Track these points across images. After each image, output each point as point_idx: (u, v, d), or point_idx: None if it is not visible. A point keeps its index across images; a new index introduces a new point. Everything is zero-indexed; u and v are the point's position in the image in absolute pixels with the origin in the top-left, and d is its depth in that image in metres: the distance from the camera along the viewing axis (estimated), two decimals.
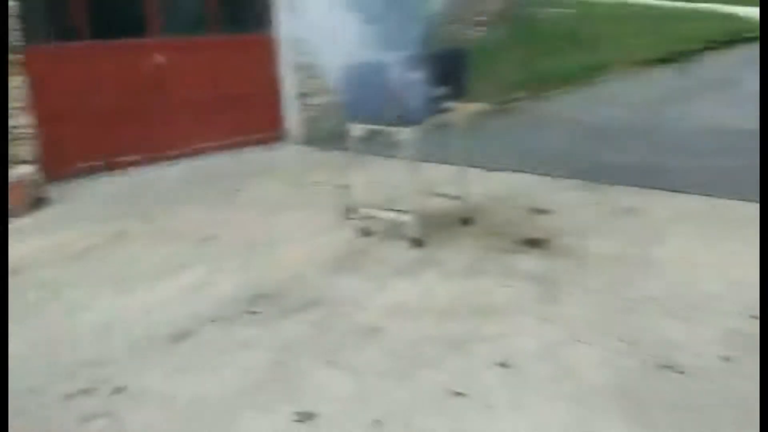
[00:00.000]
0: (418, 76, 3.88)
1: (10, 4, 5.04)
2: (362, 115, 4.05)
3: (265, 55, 7.21)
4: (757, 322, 2.80)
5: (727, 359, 2.59)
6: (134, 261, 3.98)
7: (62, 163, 5.69)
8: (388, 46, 4.08)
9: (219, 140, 6.81)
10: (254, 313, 3.21)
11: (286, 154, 6.91)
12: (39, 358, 2.91)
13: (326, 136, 7.36)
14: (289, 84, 7.34)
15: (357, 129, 4.14)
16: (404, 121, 3.85)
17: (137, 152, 6.25)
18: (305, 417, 2.36)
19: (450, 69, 4.20)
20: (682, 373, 2.51)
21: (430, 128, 4.07)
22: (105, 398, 2.57)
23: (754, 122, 5.66)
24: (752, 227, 3.83)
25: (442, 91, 4.09)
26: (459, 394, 2.45)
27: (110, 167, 6.08)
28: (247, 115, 7.04)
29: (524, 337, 2.83)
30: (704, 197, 4.46)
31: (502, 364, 2.63)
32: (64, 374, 2.75)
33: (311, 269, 3.72)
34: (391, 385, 2.54)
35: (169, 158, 6.45)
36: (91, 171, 5.97)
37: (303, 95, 7.34)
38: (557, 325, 2.95)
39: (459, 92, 4.21)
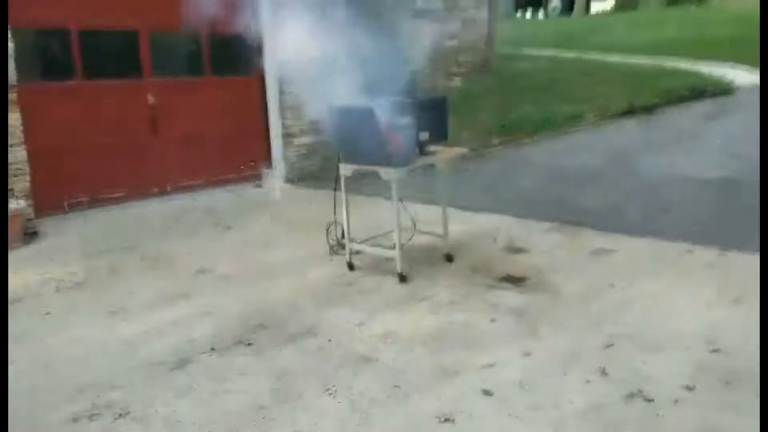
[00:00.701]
0: (405, 121, 4.16)
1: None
2: (352, 156, 4.29)
3: (253, 96, 7.48)
4: (718, 356, 3.08)
5: (690, 389, 2.82)
6: (130, 292, 4.10)
7: (52, 198, 5.81)
8: (374, 92, 4.36)
9: (207, 177, 7.00)
10: (250, 343, 3.36)
11: (273, 191, 7.10)
12: (42, 382, 3.02)
13: (312, 175, 7.62)
14: (275, 124, 7.59)
15: (347, 169, 4.37)
16: (392, 162, 4.10)
17: (126, 188, 6.40)
18: None
19: (433, 115, 4.48)
20: (651, 401, 2.74)
21: (415, 170, 4.34)
22: (108, 423, 2.69)
23: (713, 172, 6.10)
24: (714, 270, 4.17)
25: (426, 135, 4.38)
26: (448, 420, 2.63)
27: (99, 203, 6.20)
28: (235, 153, 7.27)
29: (508, 368, 3.04)
30: (669, 242, 4.77)
31: (488, 393, 2.83)
32: (67, 398, 2.86)
33: (304, 301, 3.89)
34: (385, 411, 2.71)
35: (157, 195, 6.61)
36: (80, 206, 6.09)
37: (289, 135, 7.59)
38: (538, 357, 3.16)
39: (441, 137, 4.49)
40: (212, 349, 3.30)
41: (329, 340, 3.38)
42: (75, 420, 2.70)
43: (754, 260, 4.25)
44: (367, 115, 4.15)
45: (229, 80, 7.30)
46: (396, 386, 2.91)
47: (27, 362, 3.23)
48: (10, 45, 5.18)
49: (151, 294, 4.06)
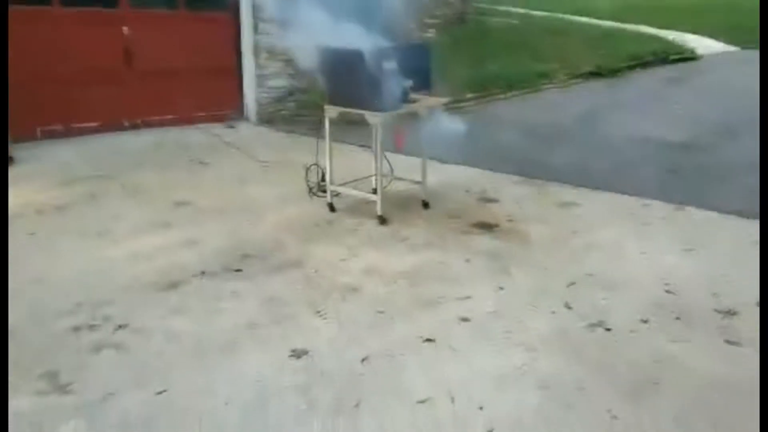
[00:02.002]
0: (392, 66, 4.27)
1: None
2: (339, 99, 4.39)
3: (228, 34, 7.39)
4: (671, 296, 3.40)
5: (645, 322, 3.13)
6: (114, 218, 4.17)
7: (26, 125, 5.72)
8: (354, 37, 4.42)
9: (179, 114, 6.95)
10: (239, 270, 3.52)
11: (245, 132, 7.12)
12: (38, 298, 3.11)
13: (284, 119, 7.65)
14: (249, 64, 7.55)
15: (332, 111, 4.47)
16: (378, 106, 4.22)
17: (99, 119, 6.33)
18: (300, 353, 2.72)
19: (417, 63, 4.60)
20: (609, 330, 3.04)
21: (399, 117, 4.48)
22: (109, 333, 2.83)
23: (673, 134, 6.43)
24: (669, 222, 4.50)
25: (410, 83, 4.50)
26: (429, 340, 2.87)
27: (72, 132, 6.13)
28: (208, 92, 7.21)
29: (482, 300, 3.29)
30: (629, 196, 5.08)
31: (464, 319, 3.08)
32: (65, 312, 2.98)
33: (286, 236, 4.04)
34: (373, 332, 2.93)
35: (129, 128, 6.55)
36: (54, 134, 6.01)
37: (263, 76, 7.57)
38: (509, 291, 3.42)
39: (425, 85, 4.62)
40: (202, 273, 3.45)
41: (315, 271, 3.56)
42: (76, 330, 2.83)
43: (706, 215, 4.63)
44: (357, 58, 4.23)
45: (203, 15, 7.18)
46: (380, 312, 3.12)
47: (20, 279, 3.30)
48: None
49: (134, 221, 4.14)
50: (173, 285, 3.29)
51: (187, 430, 2.24)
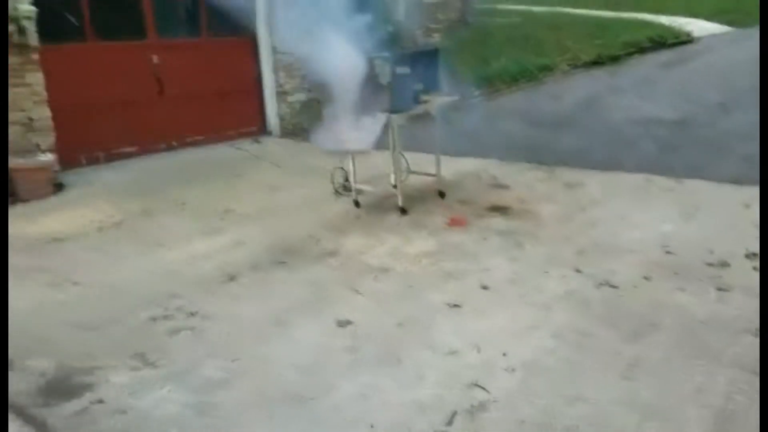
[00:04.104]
0: (403, 70, 4.72)
1: (30, 8, 5.61)
2: (356, 105, 4.84)
3: (248, 55, 7.92)
4: (670, 256, 3.79)
5: (647, 279, 3.54)
6: (167, 229, 4.67)
7: (72, 152, 6.25)
8: (363, 48, 4.87)
9: (209, 133, 7.47)
10: (284, 262, 3.99)
11: (270, 145, 7.62)
12: (112, 297, 3.60)
13: (305, 130, 8.14)
14: (269, 82, 8.06)
15: (349, 117, 4.92)
16: (392, 108, 4.67)
17: (136, 144, 6.86)
18: (344, 323, 3.17)
19: (426, 66, 5.05)
20: (616, 287, 3.45)
21: (412, 117, 4.93)
22: (183, 320, 3.31)
23: (670, 113, 6.79)
24: (669, 194, 4.88)
25: (420, 85, 4.96)
26: (456, 305, 3.31)
27: (113, 158, 6.67)
28: (233, 110, 7.75)
29: (499, 271, 3.72)
30: (632, 174, 5.46)
31: (485, 287, 3.51)
32: (140, 306, 3.45)
33: (321, 232, 4.51)
34: (405, 303, 3.38)
35: (164, 150, 7.08)
36: (96, 161, 6.55)
37: (283, 93, 8.08)
38: (523, 262, 3.85)
39: (434, 86, 5.07)
40: (252, 267, 3.92)
41: (349, 258, 4.02)
42: (153, 320, 3.31)
43: (703, 185, 5.00)
44: (370, 65, 4.69)
45: (224, 40, 7.70)
46: (410, 286, 3.57)
47: (92, 284, 3.80)
48: (33, 8, 5.57)
49: (186, 230, 4.64)
50: (230, 278, 3.77)
51: (258, 389, 2.69)
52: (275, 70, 8.00)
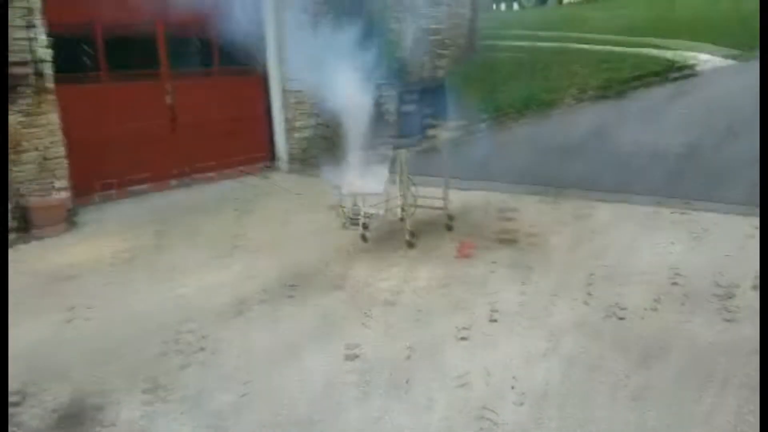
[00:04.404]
0: (411, 104, 4.82)
1: (47, 51, 5.80)
2: (365, 137, 4.94)
3: (259, 90, 8.10)
4: (678, 284, 3.79)
5: (654, 309, 3.54)
6: (181, 260, 4.73)
7: (85, 188, 6.39)
8: (372, 82, 4.99)
9: (220, 167, 7.61)
10: (294, 293, 4.03)
11: (280, 178, 7.73)
12: (127, 328, 3.65)
13: (313, 163, 8.26)
14: (279, 117, 8.22)
15: (358, 148, 5.01)
16: (403, 140, 4.76)
17: (149, 179, 6.99)
18: (354, 352, 3.19)
19: (434, 98, 5.15)
20: (624, 315, 3.45)
21: (421, 148, 5.01)
22: (195, 350, 3.34)
23: (677, 142, 6.83)
24: (676, 222, 4.89)
25: (429, 116, 5.05)
26: (465, 335, 3.32)
27: (126, 193, 6.79)
28: (243, 143, 7.91)
29: (508, 300, 3.74)
30: (638, 200, 5.49)
31: (493, 315, 3.52)
32: (153, 336, 3.49)
33: (330, 261, 4.56)
34: (414, 332, 3.40)
35: (176, 184, 7.21)
36: (110, 196, 6.67)
37: (292, 128, 8.22)
38: (531, 291, 3.86)
39: (442, 117, 5.16)
40: (263, 297, 3.96)
41: (358, 288, 4.05)
42: (165, 350, 3.34)
43: (711, 213, 5.02)
44: (379, 100, 4.80)
45: (236, 75, 7.89)
46: (419, 315, 3.60)
47: (106, 317, 3.85)
48: (49, 52, 5.76)
49: (198, 261, 4.70)
50: (241, 308, 3.81)
51: (270, 415, 2.71)
52: (285, 104, 8.17)
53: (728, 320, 3.32)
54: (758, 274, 3.73)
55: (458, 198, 5.79)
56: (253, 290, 4.11)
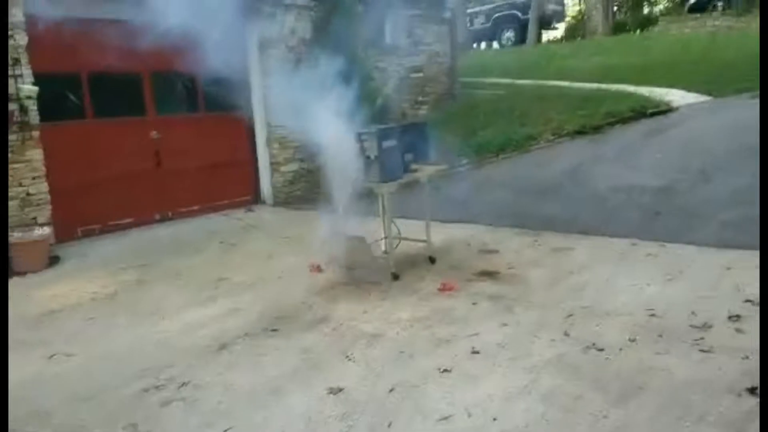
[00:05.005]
0: (393, 142, 4.93)
1: (30, 87, 5.86)
2: (348, 176, 5.02)
3: (244, 129, 8.19)
4: (654, 318, 3.88)
5: (633, 341, 3.61)
6: (161, 299, 4.73)
7: (68, 225, 6.38)
8: (354, 122, 5.10)
9: (204, 204, 7.64)
10: (277, 330, 4.04)
11: (264, 215, 7.78)
12: (109, 368, 3.63)
13: (297, 199, 8.34)
14: (263, 154, 8.31)
15: (341, 187, 5.09)
16: (383, 178, 4.85)
17: (133, 216, 7.00)
18: (335, 390, 3.21)
19: (416, 137, 5.28)
20: (602, 350, 3.51)
21: (402, 186, 5.10)
22: (175, 390, 3.33)
23: (653, 180, 7.01)
24: (653, 258, 5.00)
25: (410, 156, 5.17)
26: (446, 370, 3.36)
27: (109, 230, 6.79)
28: (228, 180, 7.96)
29: (489, 335, 3.78)
30: (615, 239, 5.60)
31: (475, 352, 3.57)
32: (133, 377, 3.48)
33: (314, 299, 4.58)
34: (396, 368, 3.43)
35: (160, 221, 7.22)
36: (92, 233, 6.66)
37: (276, 164, 8.31)
38: (512, 326, 3.92)
39: (424, 156, 5.28)
40: (246, 335, 3.97)
41: (341, 324, 4.08)
42: (146, 390, 3.33)
43: (686, 250, 5.13)
44: (360, 139, 4.90)
45: (222, 116, 7.98)
46: (401, 352, 3.62)
47: (86, 355, 3.84)
48: (35, 89, 5.82)
49: (181, 299, 4.70)
50: (223, 346, 3.81)
51: None
52: (269, 142, 8.27)
53: (704, 351, 3.39)
54: (733, 307, 3.88)
55: (441, 233, 5.88)
56: (237, 327, 4.12)
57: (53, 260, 5.85)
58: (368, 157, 4.82)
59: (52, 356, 3.81)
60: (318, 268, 5.19)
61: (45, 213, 5.96)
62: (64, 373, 3.60)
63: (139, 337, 4.06)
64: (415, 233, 5.45)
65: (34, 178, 5.88)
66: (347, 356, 3.59)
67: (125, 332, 4.15)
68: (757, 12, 18.12)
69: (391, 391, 3.18)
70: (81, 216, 6.59)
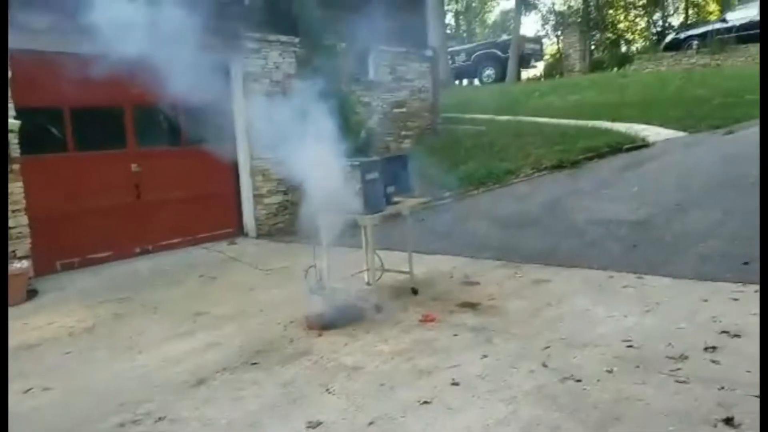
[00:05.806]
0: (375, 175, 4.99)
1: (13, 121, 5.86)
2: (331, 208, 5.05)
3: (226, 162, 8.19)
4: (632, 349, 3.92)
5: (610, 371, 3.64)
6: (139, 332, 4.68)
7: (47, 259, 6.32)
8: (337, 155, 5.16)
9: (185, 236, 7.61)
10: (257, 363, 4.01)
11: (247, 246, 7.76)
12: (83, 403, 3.58)
13: (281, 231, 8.34)
14: (246, 186, 8.34)
15: (325, 219, 5.12)
16: (366, 210, 4.89)
17: (113, 249, 6.95)
18: (315, 424, 3.19)
19: (399, 170, 5.35)
20: (580, 381, 3.54)
21: (386, 218, 5.15)
22: (151, 425, 3.29)
23: (630, 214, 7.15)
24: (630, 290, 5.07)
25: (392, 188, 5.23)
26: (426, 402, 3.36)
27: (88, 263, 6.73)
28: (210, 212, 7.96)
29: (470, 366, 3.79)
30: (594, 270, 5.67)
31: (455, 383, 3.57)
32: (110, 412, 3.43)
33: (294, 330, 4.57)
34: (377, 401, 3.42)
35: (141, 253, 7.17)
36: (72, 266, 6.60)
37: (259, 196, 8.33)
38: (493, 357, 3.93)
39: (406, 189, 5.35)
40: (224, 369, 3.94)
41: (322, 357, 4.07)
42: (122, 425, 3.28)
43: (663, 281, 5.21)
44: (343, 172, 4.95)
45: (204, 149, 7.99)
46: (382, 384, 3.62)
47: (64, 389, 3.78)
48: (17, 122, 5.82)
49: (159, 333, 4.66)
50: (201, 381, 3.77)
51: None
52: (252, 174, 8.30)
53: (680, 382, 3.43)
54: (710, 338, 3.94)
55: (423, 264, 5.91)
56: (216, 360, 4.09)
57: (31, 294, 5.78)
58: (352, 188, 4.87)
59: (28, 390, 3.75)
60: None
61: (24, 246, 5.91)
62: (40, 407, 3.54)
63: (117, 371, 4.02)
64: (398, 264, 5.48)
65: (13, 211, 5.85)
66: (327, 389, 3.58)
67: (103, 366, 4.10)
68: (731, 51, 18.79)
69: (370, 424, 3.17)
70: (60, 249, 6.54)
